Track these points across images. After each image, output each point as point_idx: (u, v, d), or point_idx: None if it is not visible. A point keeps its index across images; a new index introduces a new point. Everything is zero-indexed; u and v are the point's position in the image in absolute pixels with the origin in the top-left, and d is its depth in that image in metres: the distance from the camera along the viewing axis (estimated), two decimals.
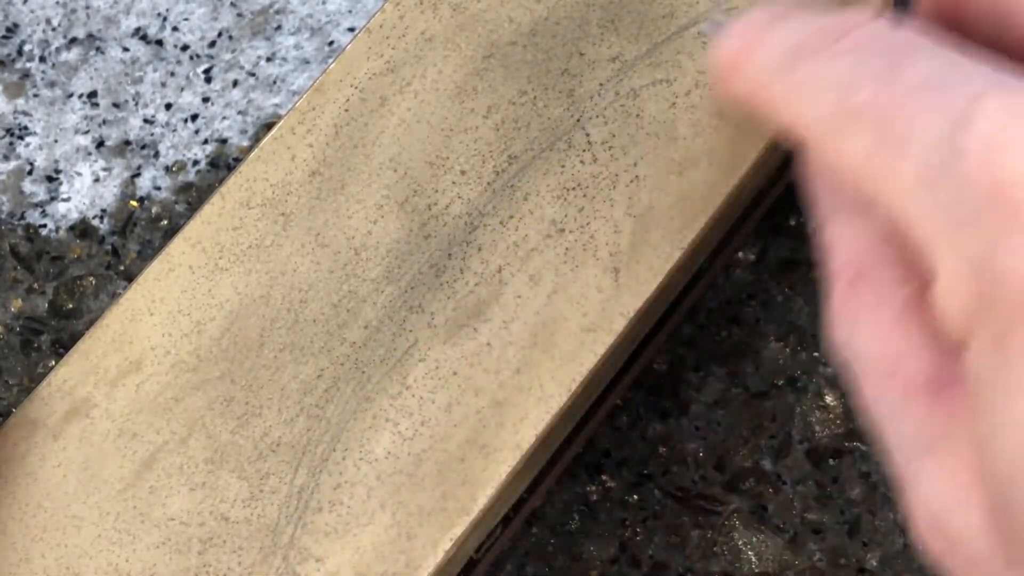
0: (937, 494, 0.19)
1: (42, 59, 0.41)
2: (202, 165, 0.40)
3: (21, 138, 0.40)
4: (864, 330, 0.21)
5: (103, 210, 0.39)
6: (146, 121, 0.40)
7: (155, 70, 0.41)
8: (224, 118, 0.40)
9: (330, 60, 0.40)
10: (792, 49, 0.21)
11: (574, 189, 0.30)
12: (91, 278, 0.39)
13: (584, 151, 0.30)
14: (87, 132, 0.40)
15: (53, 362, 0.38)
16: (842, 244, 0.22)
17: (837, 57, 0.20)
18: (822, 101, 0.20)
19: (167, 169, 0.40)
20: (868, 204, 0.20)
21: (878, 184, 0.19)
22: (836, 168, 0.20)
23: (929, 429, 0.20)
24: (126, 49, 0.41)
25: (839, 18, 0.21)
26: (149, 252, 0.39)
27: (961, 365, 0.19)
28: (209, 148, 0.40)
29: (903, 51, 0.19)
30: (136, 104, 0.40)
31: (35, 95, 0.41)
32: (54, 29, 0.41)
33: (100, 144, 0.40)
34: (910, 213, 0.18)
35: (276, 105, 0.40)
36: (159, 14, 0.41)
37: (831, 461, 0.35)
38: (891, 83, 0.19)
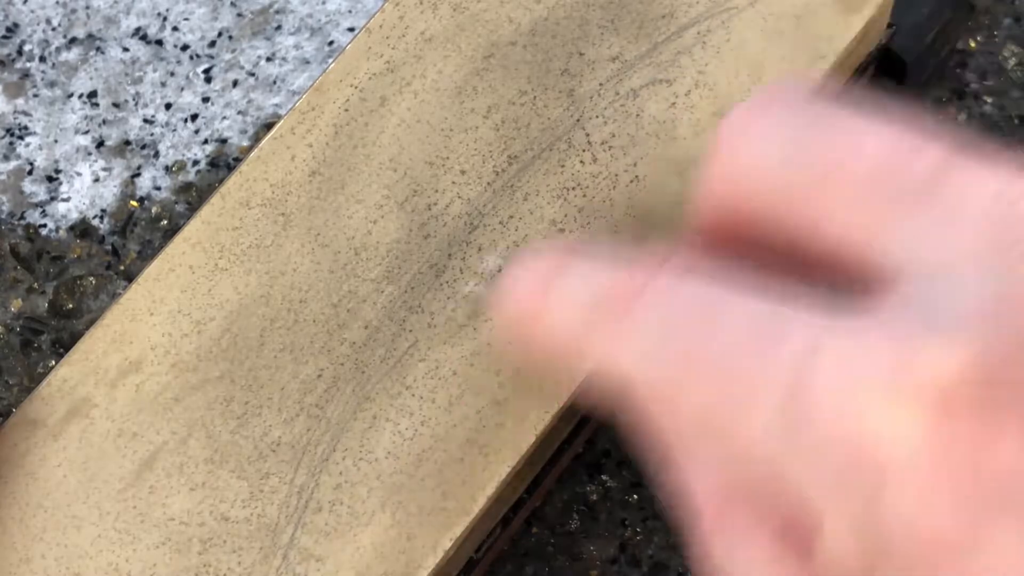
0: None
1: (42, 59, 0.41)
2: (202, 165, 0.40)
3: (21, 138, 0.40)
4: (742, 553, 0.19)
5: (103, 210, 0.39)
6: (146, 121, 0.40)
7: (155, 70, 0.41)
8: (224, 118, 0.40)
9: (330, 60, 0.40)
10: (588, 305, 0.19)
11: (574, 189, 0.30)
12: (91, 278, 0.39)
13: (584, 151, 0.30)
14: (87, 132, 0.40)
15: (53, 362, 0.38)
16: (697, 483, 0.20)
17: (642, 317, 0.18)
18: (638, 361, 0.18)
19: (167, 169, 0.40)
20: (718, 447, 0.19)
21: (730, 436, 0.17)
22: (672, 423, 0.19)
23: None
24: (126, 49, 0.41)
25: (628, 272, 0.19)
26: (149, 252, 0.39)
27: None
28: (209, 148, 0.40)
29: (711, 304, 0.18)
30: (136, 104, 0.40)
31: (35, 95, 0.41)
32: (54, 29, 0.41)
33: (100, 144, 0.40)
34: (774, 464, 0.17)
35: (276, 105, 0.40)
36: (159, 14, 0.41)
37: None
38: (712, 341, 0.17)
